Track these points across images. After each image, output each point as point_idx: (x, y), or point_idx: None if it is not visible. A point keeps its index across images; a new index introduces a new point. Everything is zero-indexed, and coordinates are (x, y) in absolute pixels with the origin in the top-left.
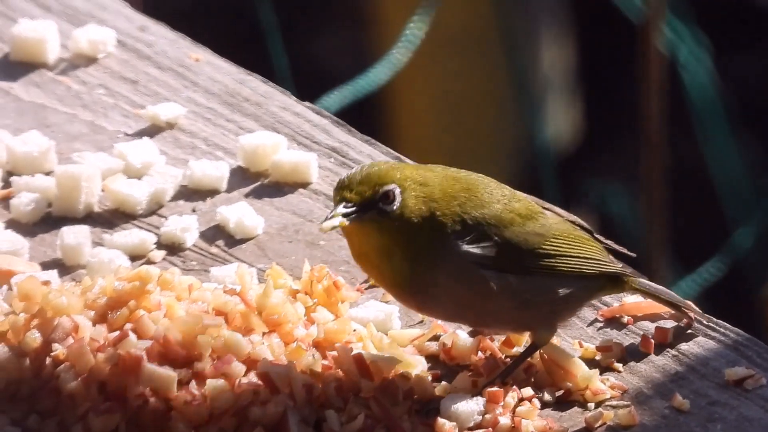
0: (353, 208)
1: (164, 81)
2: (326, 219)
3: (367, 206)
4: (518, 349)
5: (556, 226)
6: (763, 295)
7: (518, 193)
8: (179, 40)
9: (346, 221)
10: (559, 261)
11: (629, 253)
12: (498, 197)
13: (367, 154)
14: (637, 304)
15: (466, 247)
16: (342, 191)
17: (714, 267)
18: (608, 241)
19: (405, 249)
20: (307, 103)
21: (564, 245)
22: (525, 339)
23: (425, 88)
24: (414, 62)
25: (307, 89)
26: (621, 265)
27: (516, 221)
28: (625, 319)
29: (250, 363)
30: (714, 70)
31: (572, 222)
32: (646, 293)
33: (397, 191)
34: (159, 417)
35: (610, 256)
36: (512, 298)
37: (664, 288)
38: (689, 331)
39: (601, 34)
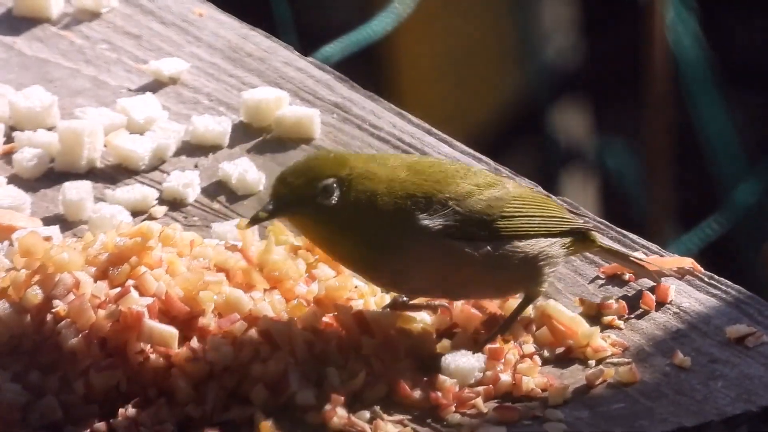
0: (282, 203)
1: (167, 36)
2: (251, 218)
3: (303, 200)
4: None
5: (514, 190)
6: (764, 250)
7: (471, 166)
8: None
9: (271, 217)
10: (522, 221)
11: (588, 214)
12: (452, 173)
13: (370, 110)
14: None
15: (431, 221)
16: (276, 186)
17: (714, 225)
18: (564, 202)
19: (353, 235)
20: (310, 59)
21: (525, 206)
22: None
23: (428, 42)
24: (416, 15)
25: (311, 44)
26: (582, 221)
27: (474, 192)
28: (627, 276)
29: (251, 320)
30: (700, 31)
31: (531, 188)
32: (610, 253)
33: (335, 185)
34: (160, 374)
35: (571, 214)
36: (485, 263)
37: (622, 248)
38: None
39: None
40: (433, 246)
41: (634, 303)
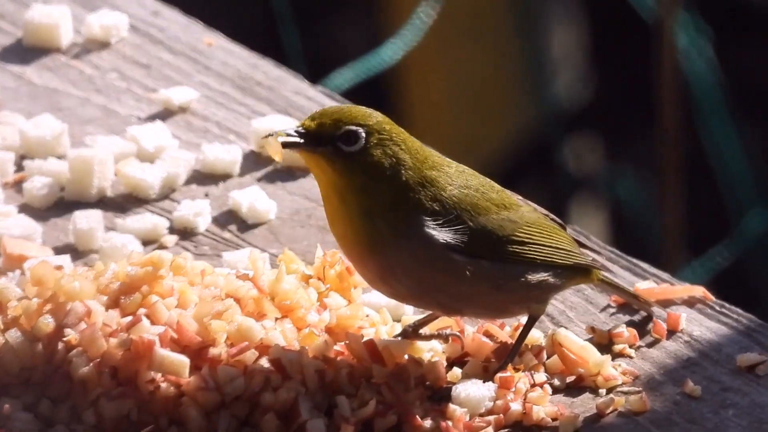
0: (304, 135)
1: (177, 65)
2: (269, 134)
3: (324, 140)
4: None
5: (528, 215)
6: None
7: (496, 185)
8: (192, 24)
9: (288, 140)
10: (531, 249)
11: (598, 247)
12: (476, 185)
13: None
14: (649, 290)
15: (436, 231)
16: (305, 119)
17: (725, 253)
18: (578, 234)
19: (361, 199)
20: (320, 87)
21: (536, 234)
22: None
23: (437, 69)
24: (425, 42)
25: (320, 73)
26: (591, 258)
27: (491, 209)
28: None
29: (263, 349)
30: (715, 59)
31: (545, 215)
32: (610, 286)
33: (363, 135)
34: (171, 403)
35: (581, 249)
36: (485, 282)
37: (623, 284)
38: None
39: (613, 17)
40: (432, 257)
41: (644, 332)
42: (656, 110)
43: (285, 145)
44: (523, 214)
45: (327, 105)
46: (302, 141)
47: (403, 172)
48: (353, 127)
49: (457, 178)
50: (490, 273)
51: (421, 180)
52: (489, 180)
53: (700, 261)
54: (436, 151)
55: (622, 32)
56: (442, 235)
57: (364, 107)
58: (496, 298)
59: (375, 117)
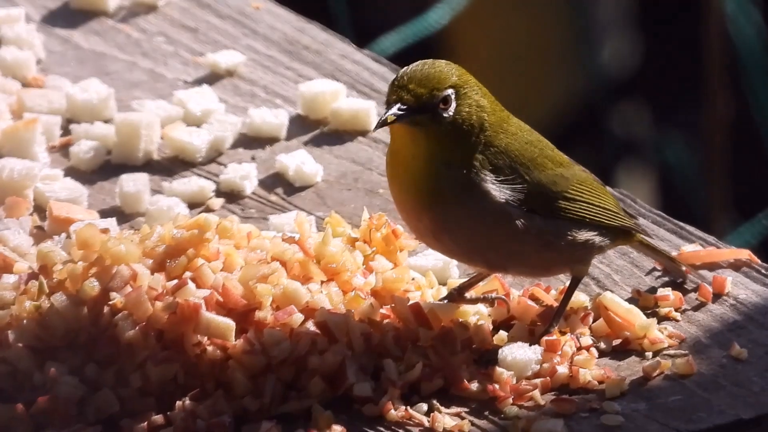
0: (406, 110)
1: (224, 29)
2: (380, 120)
3: (423, 109)
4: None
5: (580, 174)
6: None
7: (549, 143)
8: None
9: (397, 121)
10: (582, 207)
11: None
12: (535, 142)
13: None
14: (695, 252)
15: (498, 186)
16: (398, 91)
17: None
18: (625, 197)
19: (443, 154)
20: (367, 51)
21: (586, 192)
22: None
23: (483, 34)
24: (472, 7)
25: (367, 38)
26: (634, 221)
27: (548, 165)
28: (683, 267)
29: (308, 312)
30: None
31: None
32: (648, 248)
33: (453, 96)
34: (217, 366)
35: (625, 211)
36: (536, 238)
37: (665, 248)
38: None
39: None
40: (491, 211)
41: (690, 296)
42: (703, 75)
43: (394, 121)
44: (575, 172)
45: (374, 69)
46: (406, 114)
47: (480, 128)
48: (447, 92)
49: (520, 133)
50: (541, 229)
51: (491, 136)
52: (544, 138)
53: (746, 225)
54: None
55: None
56: (503, 190)
57: (440, 62)
58: (542, 256)
59: (457, 73)
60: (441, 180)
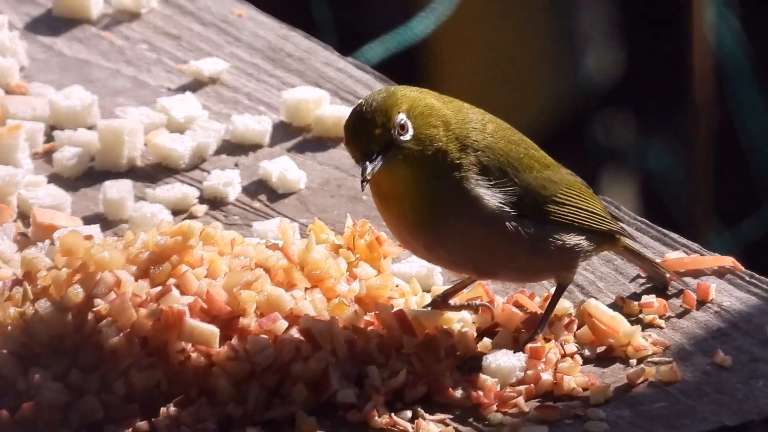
0: (376, 157)
1: (207, 37)
2: (362, 181)
3: (387, 148)
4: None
5: (567, 177)
6: None
7: (535, 146)
8: None
9: (375, 172)
10: (571, 211)
11: (628, 217)
12: (518, 141)
13: None
14: (679, 260)
15: (490, 190)
16: (358, 143)
17: (754, 224)
18: (609, 204)
19: (427, 175)
20: (350, 59)
21: (575, 197)
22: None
23: (468, 43)
24: (456, 16)
25: (350, 46)
26: (620, 226)
27: (535, 167)
28: (667, 275)
29: (292, 319)
30: (742, 31)
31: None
32: (632, 253)
33: (407, 119)
34: (201, 373)
35: (611, 215)
36: (527, 244)
37: (650, 254)
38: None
39: None
40: (483, 216)
41: (674, 303)
42: (687, 83)
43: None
44: (563, 175)
45: (357, 76)
46: (380, 161)
47: (443, 139)
48: (399, 118)
49: (498, 131)
50: (531, 233)
51: (463, 141)
52: (525, 137)
53: (729, 233)
54: (468, 105)
55: (652, 6)
56: (494, 194)
57: (379, 94)
58: (532, 261)
59: (399, 96)
60: (434, 197)
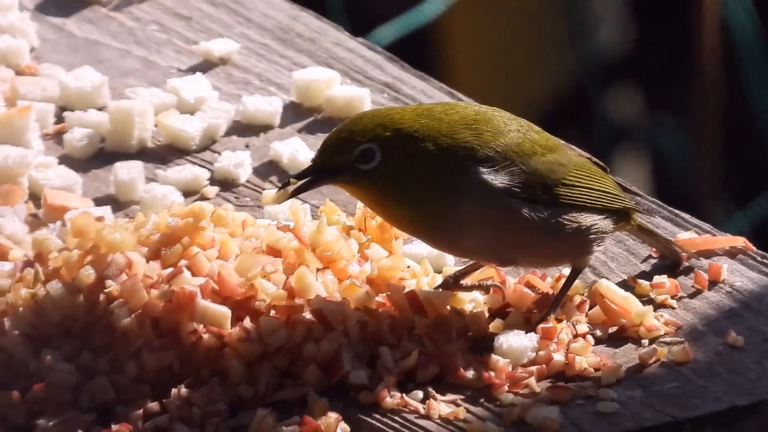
0: (313, 172)
1: (217, 17)
2: (279, 188)
3: (337, 171)
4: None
5: (576, 159)
6: None
7: (534, 125)
8: None
9: (300, 183)
10: (582, 192)
11: (635, 191)
12: (515, 126)
13: (420, 90)
14: (690, 240)
15: (493, 177)
16: (318, 153)
17: (765, 203)
18: (618, 179)
19: (406, 200)
20: (361, 39)
21: (584, 177)
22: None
23: (478, 23)
24: None
25: (362, 27)
26: (634, 202)
27: (537, 150)
28: (682, 253)
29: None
30: (754, 9)
31: (588, 158)
32: (644, 231)
33: (376, 149)
34: (213, 354)
35: (623, 192)
36: (542, 228)
37: (662, 233)
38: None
39: None
40: (494, 205)
41: (686, 283)
42: (696, 61)
43: (302, 189)
44: (570, 157)
45: (368, 56)
46: (315, 179)
47: (429, 152)
48: (365, 146)
49: (491, 123)
50: (546, 218)
51: (454, 144)
52: (527, 121)
53: (741, 212)
54: (464, 102)
55: None
56: (499, 178)
57: (366, 113)
58: (550, 246)
59: (381, 122)
60: (426, 209)
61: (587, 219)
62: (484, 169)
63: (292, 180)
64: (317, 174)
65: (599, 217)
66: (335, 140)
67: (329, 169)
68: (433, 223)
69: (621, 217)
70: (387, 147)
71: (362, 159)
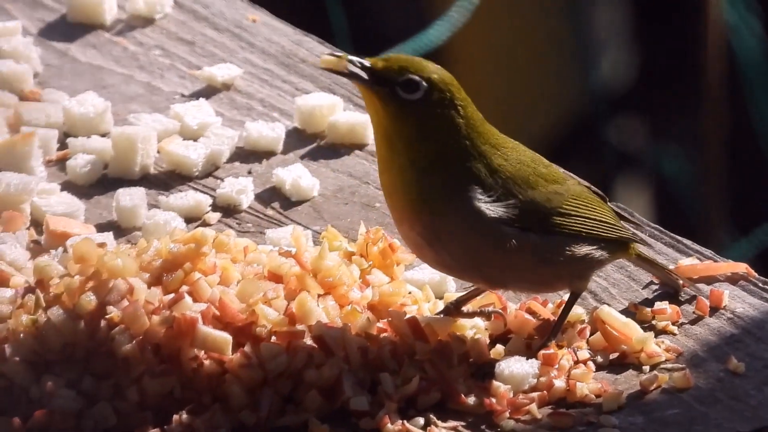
0: (368, 71)
1: (221, 42)
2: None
3: (384, 81)
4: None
5: (574, 188)
6: None
7: (544, 159)
8: (236, 1)
9: (355, 69)
10: (577, 221)
11: (641, 223)
12: (528, 160)
13: None
14: (692, 266)
15: (488, 206)
16: (378, 58)
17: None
18: (623, 210)
19: (409, 151)
20: None
21: (582, 207)
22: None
23: (482, 50)
24: (471, 22)
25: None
26: (632, 232)
27: (540, 183)
28: (680, 281)
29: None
30: (764, 34)
31: (587, 187)
32: (644, 261)
33: (424, 87)
34: (214, 380)
35: (621, 222)
36: (533, 255)
37: (663, 261)
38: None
39: None
40: (481, 226)
41: (687, 310)
42: (701, 87)
43: (349, 75)
44: (569, 187)
45: None
46: (365, 76)
47: (454, 137)
48: (416, 77)
49: (512, 153)
50: (537, 246)
51: (474, 151)
52: (539, 155)
53: (744, 239)
54: (497, 130)
55: (667, 10)
56: (494, 209)
57: (438, 66)
58: (541, 272)
59: (442, 75)
60: (422, 182)
61: (581, 248)
62: (482, 196)
63: (344, 54)
64: (367, 71)
65: (594, 246)
66: (398, 58)
67: (376, 75)
68: (421, 205)
69: (618, 246)
70: (431, 96)
71: (406, 86)
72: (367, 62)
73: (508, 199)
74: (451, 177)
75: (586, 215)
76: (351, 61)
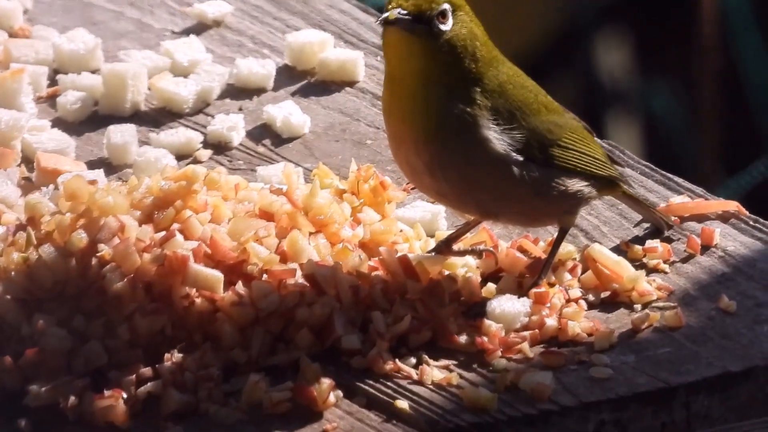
0: (407, 15)
1: None
2: (381, 18)
3: (421, 19)
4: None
5: (572, 122)
6: None
7: (543, 90)
8: None
9: (397, 24)
10: (574, 156)
11: (632, 161)
12: (530, 87)
13: None
14: (683, 204)
15: (498, 134)
16: (399, 0)
17: (759, 168)
18: (614, 148)
19: (442, 79)
20: (354, 1)
21: (579, 142)
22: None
23: None
24: None
25: None
26: (618, 171)
27: (542, 111)
28: (672, 219)
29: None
30: None
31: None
32: (631, 199)
33: (450, 12)
34: (205, 318)
35: (609, 161)
36: (530, 188)
37: (652, 199)
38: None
39: None
40: (488, 151)
41: (678, 248)
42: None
43: (393, 22)
44: (567, 120)
45: (361, 19)
46: (409, 18)
47: (473, 58)
48: (445, 6)
49: (516, 78)
50: (535, 176)
51: (489, 73)
52: (534, 83)
53: (734, 178)
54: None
55: None
56: (502, 137)
57: None
58: (534, 204)
59: (466, 7)
60: (441, 110)
61: (575, 183)
62: (492, 122)
63: (391, 14)
64: (407, 17)
65: (586, 182)
66: None
67: (413, 15)
68: (435, 135)
69: (607, 183)
70: (456, 20)
71: (441, 17)
72: (402, 9)
73: (515, 128)
74: (468, 100)
75: (582, 150)
76: (398, 13)
